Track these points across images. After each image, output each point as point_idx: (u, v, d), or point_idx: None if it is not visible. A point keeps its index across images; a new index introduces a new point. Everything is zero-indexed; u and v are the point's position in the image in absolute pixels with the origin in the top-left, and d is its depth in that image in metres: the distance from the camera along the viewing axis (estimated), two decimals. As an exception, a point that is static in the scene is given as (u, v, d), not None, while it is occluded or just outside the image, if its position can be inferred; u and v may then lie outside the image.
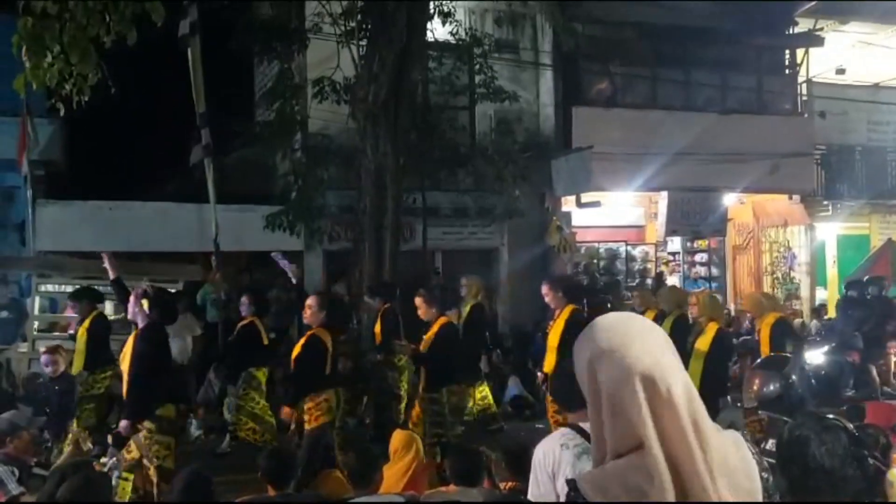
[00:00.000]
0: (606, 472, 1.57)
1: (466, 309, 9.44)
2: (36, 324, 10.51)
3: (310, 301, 6.89)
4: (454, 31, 12.31)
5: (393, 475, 5.16)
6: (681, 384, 1.53)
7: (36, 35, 4.74)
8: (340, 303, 9.98)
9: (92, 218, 11.79)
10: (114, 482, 4.50)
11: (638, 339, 1.58)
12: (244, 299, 8.61)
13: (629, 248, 16.24)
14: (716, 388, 6.96)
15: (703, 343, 7.17)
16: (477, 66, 12.61)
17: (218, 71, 11.54)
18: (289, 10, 12.01)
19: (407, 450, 5.41)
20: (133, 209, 12.12)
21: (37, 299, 10.53)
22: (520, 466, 4.55)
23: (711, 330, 7.24)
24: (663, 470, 1.46)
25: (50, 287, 10.71)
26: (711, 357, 7.08)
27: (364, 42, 11.14)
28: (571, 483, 1.63)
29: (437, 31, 11.96)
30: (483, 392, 9.55)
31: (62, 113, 5.50)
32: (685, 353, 7.05)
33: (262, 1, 12.13)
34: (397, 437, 5.61)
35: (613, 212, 15.42)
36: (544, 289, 7.39)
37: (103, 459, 4.66)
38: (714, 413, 6.58)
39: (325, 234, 12.52)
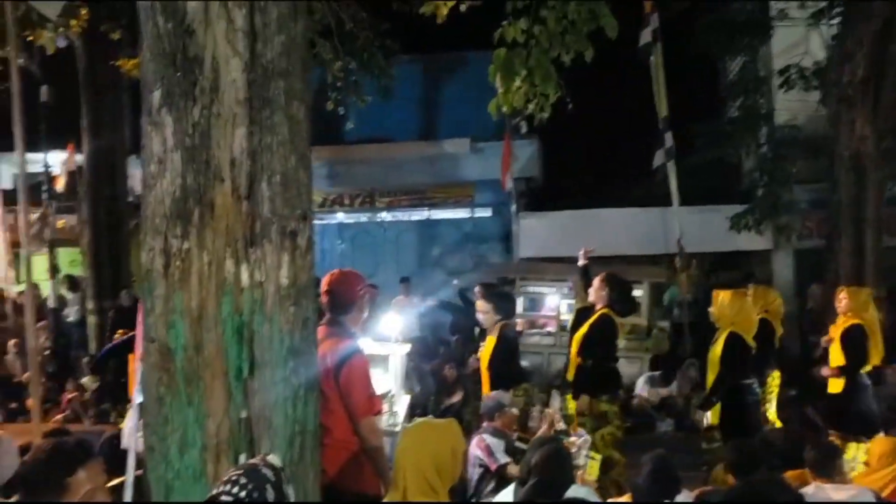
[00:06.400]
0: None
1: None
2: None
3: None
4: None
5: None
6: None
7: (507, 63, 5.42)
8: None
9: (564, 226, 12.93)
10: (581, 461, 4.86)
11: None
12: None
13: None
14: None
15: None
16: None
17: (680, 74, 11.68)
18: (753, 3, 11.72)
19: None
20: (600, 216, 12.98)
21: (520, 299, 11.82)
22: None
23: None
24: None
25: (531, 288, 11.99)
26: None
27: (836, 21, 10.23)
28: None
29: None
30: None
31: (525, 130, 6.15)
32: None
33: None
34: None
35: None
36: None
37: (571, 438, 5.07)
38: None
39: (795, 232, 11.94)
